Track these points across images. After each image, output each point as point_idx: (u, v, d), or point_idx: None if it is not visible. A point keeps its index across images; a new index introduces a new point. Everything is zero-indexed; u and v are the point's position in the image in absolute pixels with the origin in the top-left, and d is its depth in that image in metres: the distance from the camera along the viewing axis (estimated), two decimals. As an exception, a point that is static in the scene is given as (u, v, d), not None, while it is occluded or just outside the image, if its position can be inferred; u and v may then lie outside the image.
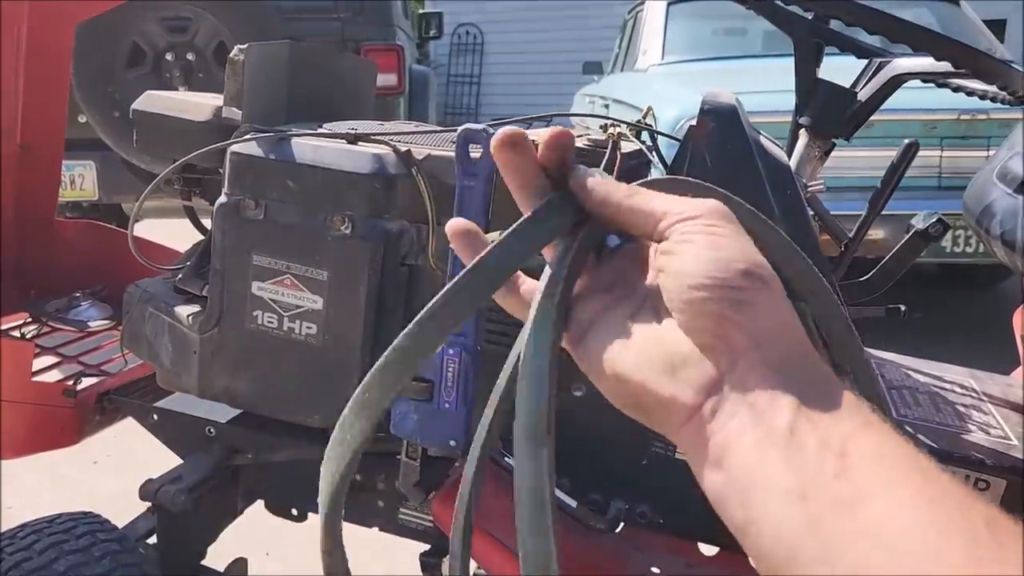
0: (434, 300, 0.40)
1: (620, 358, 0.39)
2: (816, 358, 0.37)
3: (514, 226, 0.41)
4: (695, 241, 0.37)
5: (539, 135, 0.48)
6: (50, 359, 1.44)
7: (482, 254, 0.40)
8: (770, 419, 0.34)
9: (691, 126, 0.90)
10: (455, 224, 0.45)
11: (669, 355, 0.37)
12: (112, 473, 2.25)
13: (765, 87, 2.83)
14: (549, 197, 0.42)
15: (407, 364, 0.40)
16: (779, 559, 0.33)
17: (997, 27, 5.58)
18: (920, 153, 1.11)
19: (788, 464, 0.33)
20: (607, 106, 4.37)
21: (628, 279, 0.42)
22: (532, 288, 0.43)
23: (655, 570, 0.96)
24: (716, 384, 0.36)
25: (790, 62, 1.06)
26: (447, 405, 0.81)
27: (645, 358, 0.38)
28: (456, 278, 0.40)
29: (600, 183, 0.42)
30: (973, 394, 1.12)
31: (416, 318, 0.40)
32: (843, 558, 0.30)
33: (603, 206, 0.41)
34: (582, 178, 0.42)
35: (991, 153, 3.03)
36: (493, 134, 0.74)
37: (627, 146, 0.99)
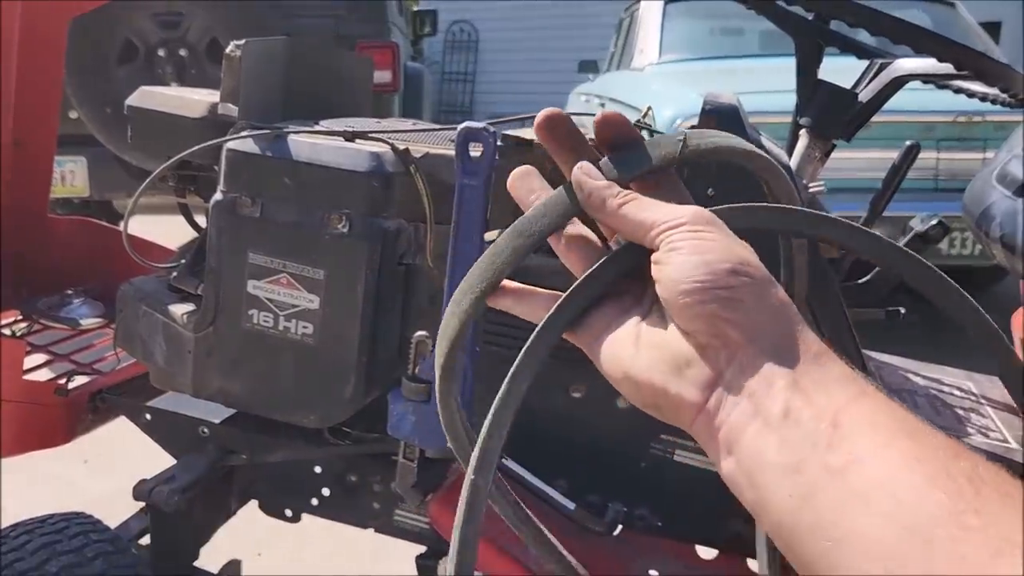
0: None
1: (632, 361, 0.41)
2: (810, 337, 0.39)
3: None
4: (682, 248, 0.39)
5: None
6: (41, 357, 1.42)
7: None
8: (768, 406, 0.36)
9: (692, 126, 0.90)
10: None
11: (674, 356, 0.40)
12: (103, 473, 2.23)
13: (763, 87, 2.83)
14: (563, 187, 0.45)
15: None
16: (785, 533, 0.35)
17: (991, 29, 5.60)
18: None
19: (784, 443, 0.35)
20: (603, 105, 4.37)
21: (637, 285, 0.44)
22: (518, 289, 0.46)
23: (653, 573, 0.96)
24: (717, 380, 0.39)
25: (787, 62, 1.05)
26: (446, 406, 0.80)
27: (654, 360, 0.40)
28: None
29: (598, 187, 0.43)
30: (972, 397, 1.11)
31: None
32: (836, 523, 0.33)
33: (597, 211, 0.43)
34: (580, 177, 0.44)
35: (987, 155, 3.04)
36: (494, 132, 0.74)
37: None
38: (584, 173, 0.43)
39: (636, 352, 0.41)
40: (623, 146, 0.45)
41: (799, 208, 0.46)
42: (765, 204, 0.46)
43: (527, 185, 0.47)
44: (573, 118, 0.49)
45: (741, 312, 0.38)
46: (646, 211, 0.42)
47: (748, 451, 0.37)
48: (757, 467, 0.36)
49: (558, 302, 0.43)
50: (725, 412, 0.38)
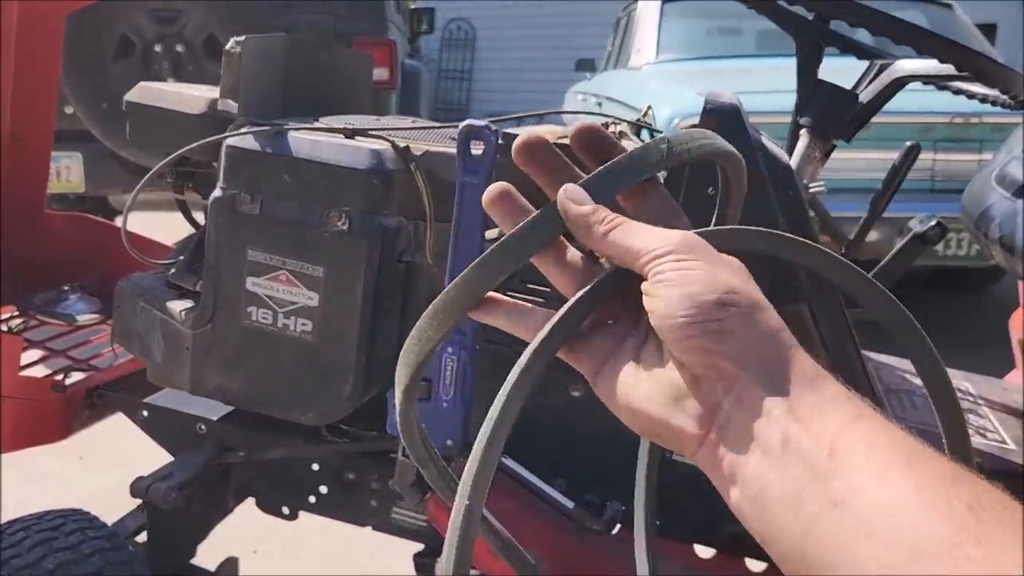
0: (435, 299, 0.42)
1: (632, 391, 0.41)
2: (803, 360, 0.39)
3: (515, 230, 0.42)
4: (669, 280, 0.39)
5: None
6: (37, 353, 1.42)
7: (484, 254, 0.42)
8: (766, 437, 0.37)
9: (693, 125, 0.90)
10: (491, 190, 0.46)
11: (672, 387, 0.40)
12: (99, 469, 2.23)
13: (761, 87, 2.83)
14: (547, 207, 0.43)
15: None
16: (791, 562, 0.35)
17: (987, 31, 5.61)
18: (913, 156, 1.11)
19: (784, 474, 0.36)
20: (600, 104, 4.37)
21: (632, 312, 0.43)
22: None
23: (651, 572, 0.95)
24: (716, 411, 0.38)
25: (785, 62, 1.05)
26: (445, 404, 0.81)
27: (653, 391, 0.41)
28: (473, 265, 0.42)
29: (583, 213, 0.42)
30: (969, 398, 1.12)
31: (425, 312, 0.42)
32: (838, 553, 0.33)
33: (584, 237, 0.42)
34: (565, 203, 0.42)
35: (984, 157, 3.05)
36: (496, 131, 0.74)
37: (628, 144, 0.99)
38: (568, 198, 0.42)
39: (635, 382, 0.41)
40: (606, 158, 0.44)
41: (794, 238, 0.46)
42: (755, 228, 0.45)
43: (508, 207, 0.45)
44: (570, 117, 0.48)
45: (731, 343, 0.38)
46: (632, 237, 0.41)
47: (750, 483, 0.37)
48: (760, 498, 0.36)
49: (549, 324, 0.42)
50: (726, 445, 0.38)
